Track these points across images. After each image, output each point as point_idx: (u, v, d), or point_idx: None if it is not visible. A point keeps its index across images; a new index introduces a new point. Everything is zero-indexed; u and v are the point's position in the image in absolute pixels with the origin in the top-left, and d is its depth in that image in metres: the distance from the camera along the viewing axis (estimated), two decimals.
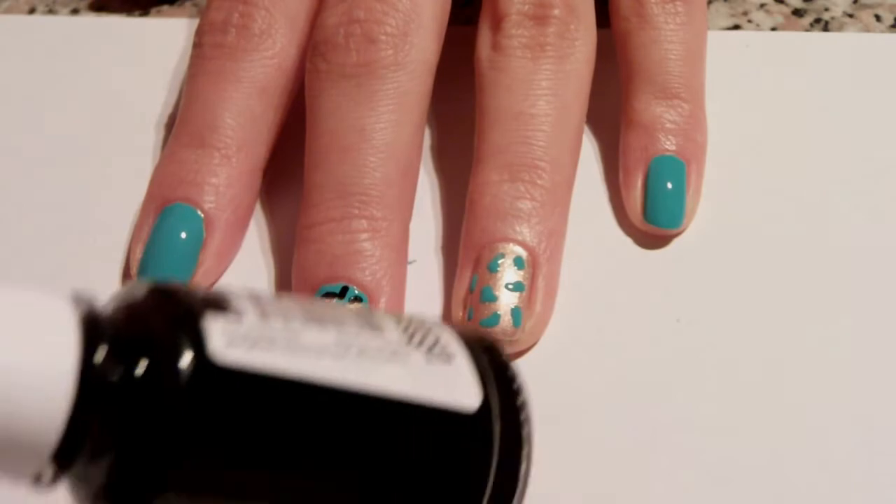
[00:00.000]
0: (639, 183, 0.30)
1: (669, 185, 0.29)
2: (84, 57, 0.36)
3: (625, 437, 0.26)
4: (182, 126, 0.30)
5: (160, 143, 0.33)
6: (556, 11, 0.30)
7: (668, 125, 0.30)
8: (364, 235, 0.28)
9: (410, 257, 0.29)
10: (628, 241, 0.30)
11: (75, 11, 0.38)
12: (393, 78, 0.28)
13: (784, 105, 0.32)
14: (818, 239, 0.29)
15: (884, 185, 0.30)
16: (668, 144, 0.30)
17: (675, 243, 0.30)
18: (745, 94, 0.33)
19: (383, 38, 0.28)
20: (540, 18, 0.30)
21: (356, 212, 0.28)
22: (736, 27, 0.35)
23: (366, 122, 0.28)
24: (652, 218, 0.29)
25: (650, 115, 0.30)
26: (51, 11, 0.38)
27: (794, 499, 0.25)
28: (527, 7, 0.30)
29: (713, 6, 0.36)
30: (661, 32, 0.30)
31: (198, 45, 0.31)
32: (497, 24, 0.30)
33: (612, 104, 0.31)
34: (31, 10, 0.38)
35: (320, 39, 0.29)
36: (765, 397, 0.26)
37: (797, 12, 0.35)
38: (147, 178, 0.30)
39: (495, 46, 0.30)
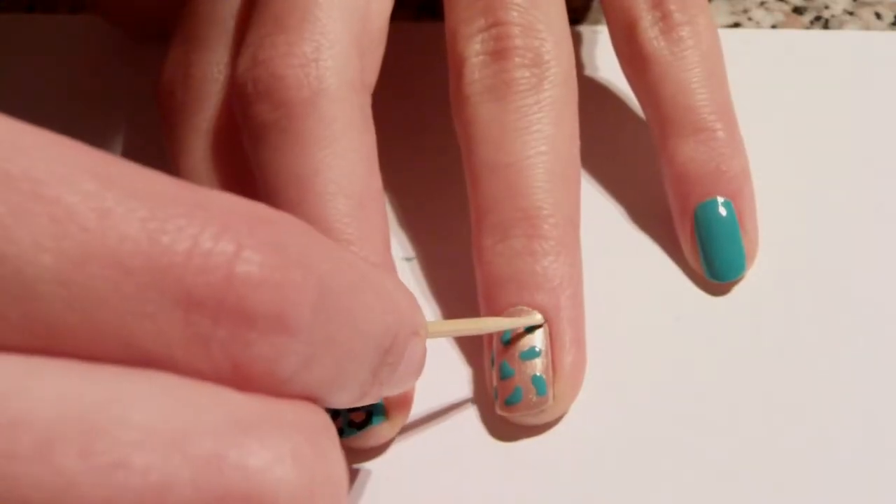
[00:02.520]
0: (689, 236, 0.28)
1: (719, 233, 0.28)
2: (96, 54, 0.36)
3: (624, 437, 0.26)
4: None
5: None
6: (518, 41, 0.27)
7: (701, 165, 0.28)
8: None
9: (410, 254, 0.29)
10: (628, 239, 0.30)
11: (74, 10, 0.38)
12: (313, 112, 0.26)
13: (784, 103, 0.32)
14: (817, 236, 0.29)
15: (884, 184, 0.30)
16: (707, 187, 0.28)
17: (674, 241, 0.29)
18: (744, 93, 0.32)
19: (290, 72, 0.26)
20: (500, 53, 0.27)
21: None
22: (736, 25, 0.35)
23: (301, 171, 0.26)
24: (713, 275, 0.28)
25: (682, 159, 0.28)
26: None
27: (795, 499, 0.25)
28: (484, 45, 0.27)
29: (713, 4, 0.36)
30: (670, 67, 0.29)
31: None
32: (459, 72, 0.28)
33: (610, 101, 0.31)
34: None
35: (233, 93, 0.27)
36: (765, 396, 0.26)
37: (797, 10, 0.35)
38: None
39: (460, 96, 0.28)
